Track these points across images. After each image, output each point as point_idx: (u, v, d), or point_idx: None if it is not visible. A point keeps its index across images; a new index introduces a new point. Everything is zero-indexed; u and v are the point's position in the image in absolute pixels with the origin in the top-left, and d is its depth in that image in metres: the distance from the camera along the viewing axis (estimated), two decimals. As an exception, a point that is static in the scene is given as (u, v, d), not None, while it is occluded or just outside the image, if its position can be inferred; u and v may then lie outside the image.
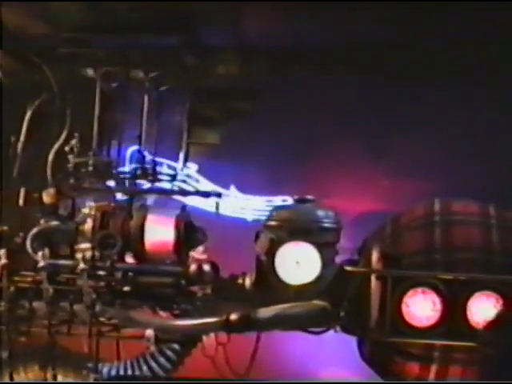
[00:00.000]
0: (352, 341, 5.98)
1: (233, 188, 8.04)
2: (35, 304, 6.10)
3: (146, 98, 6.52)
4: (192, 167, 7.57)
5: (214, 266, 5.95)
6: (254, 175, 7.92)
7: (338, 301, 5.73)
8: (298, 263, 5.80)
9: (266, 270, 5.85)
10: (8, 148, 6.45)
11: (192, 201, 7.29)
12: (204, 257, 5.85)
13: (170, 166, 7.13)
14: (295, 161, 7.82)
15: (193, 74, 6.87)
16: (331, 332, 5.85)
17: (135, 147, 6.68)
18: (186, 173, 7.47)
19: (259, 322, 5.71)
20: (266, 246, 5.88)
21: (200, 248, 5.93)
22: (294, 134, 7.82)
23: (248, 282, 5.91)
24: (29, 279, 6.12)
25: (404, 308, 5.49)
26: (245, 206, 8.05)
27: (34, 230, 6.09)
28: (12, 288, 6.05)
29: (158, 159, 6.57)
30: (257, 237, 6.03)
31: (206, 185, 7.68)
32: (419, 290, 5.47)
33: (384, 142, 8.06)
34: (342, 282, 5.80)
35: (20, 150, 6.40)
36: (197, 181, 7.62)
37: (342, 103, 7.73)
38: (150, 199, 6.30)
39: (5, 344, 6.17)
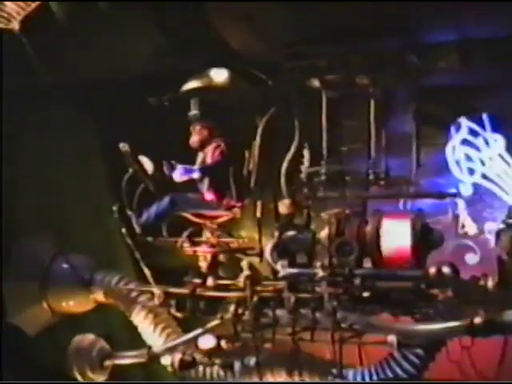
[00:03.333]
0: None
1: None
2: (278, 312, 6.29)
3: (372, 103, 6.51)
4: (499, 141, 7.28)
5: (454, 268, 5.82)
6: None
7: None
8: (544, 262, 5.55)
9: (509, 271, 5.64)
10: (242, 162, 6.72)
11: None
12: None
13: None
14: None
15: (415, 73, 6.75)
16: None
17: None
18: (497, 152, 7.24)
19: (505, 325, 5.49)
20: (508, 246, 5.67)
21: None
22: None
23: (490, 283, 5.69)
24: (270, 288, 6.35)
25: None
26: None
27: (273, 241, 6.30)
28: (255, 297, 6.29)
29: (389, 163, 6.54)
30: (498, 236, 5.83)
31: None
32: None
33: None
34: None
35: (255, 164, 6.63)
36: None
37: None
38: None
39: (251, 351, 6.43)
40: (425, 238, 5.93)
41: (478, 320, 5.45)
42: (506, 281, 5.64)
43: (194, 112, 6.84)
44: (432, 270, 5.76)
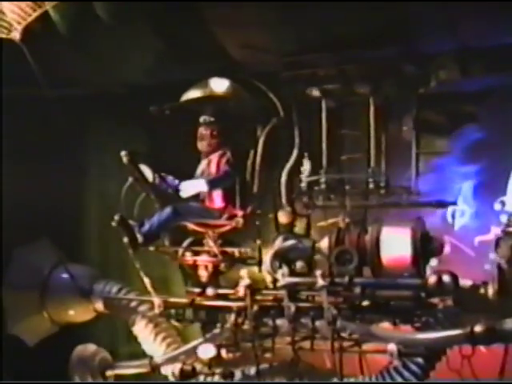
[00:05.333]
0: None
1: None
2: (278, 321, 6.28)
3: (371, 112, 6.52)
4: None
5: (454, 277, 5.81)
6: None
7: None
8: (546, 270, 5.54)
9: (509, 279, 5.64)
10: (244, 172, 6.74)
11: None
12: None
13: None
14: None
15: (414, 82, 6.77)
16: None
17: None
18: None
19: (505, 334, 5.48)
20: (508, 254, 5.67)
21: None
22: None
23: (491, 291, 5.70)
24: (270, 298, 6.35)
25: None
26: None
27: (273, 250, 6.30)
28: (255, 307, 6.29)
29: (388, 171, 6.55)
30: (497, 244, 5.82)
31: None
32: None
33: None
34: None
35: (256, 174, 6.65)
36: None
37: None
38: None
39: (252, 361, 6.42)
40: (425, 247, 5.94)
41: (478, 328, 5.43)
42: (506, 289, 5.63)
43: (206, 117, 6.83)
44: (432, 279, 5.76)
